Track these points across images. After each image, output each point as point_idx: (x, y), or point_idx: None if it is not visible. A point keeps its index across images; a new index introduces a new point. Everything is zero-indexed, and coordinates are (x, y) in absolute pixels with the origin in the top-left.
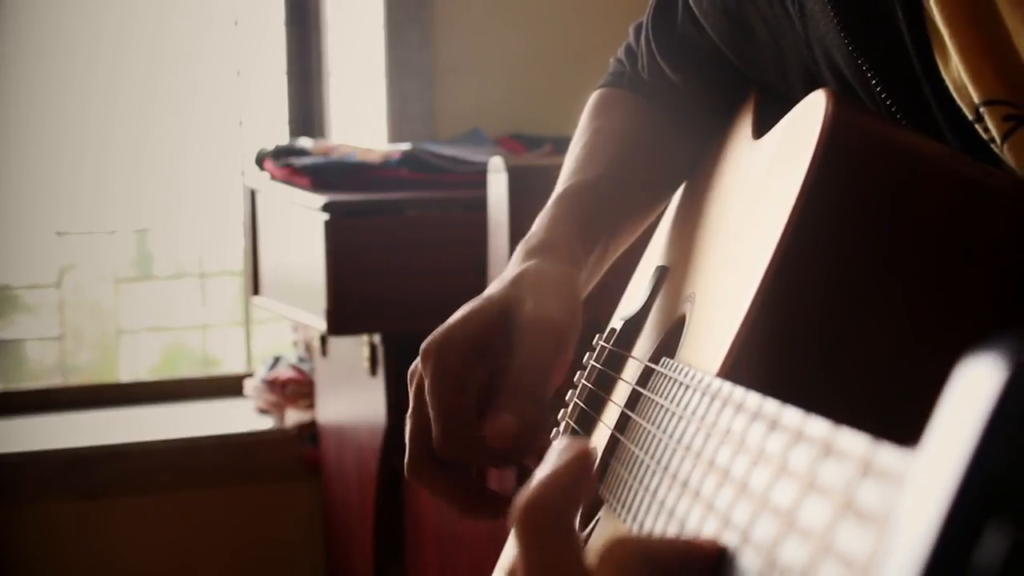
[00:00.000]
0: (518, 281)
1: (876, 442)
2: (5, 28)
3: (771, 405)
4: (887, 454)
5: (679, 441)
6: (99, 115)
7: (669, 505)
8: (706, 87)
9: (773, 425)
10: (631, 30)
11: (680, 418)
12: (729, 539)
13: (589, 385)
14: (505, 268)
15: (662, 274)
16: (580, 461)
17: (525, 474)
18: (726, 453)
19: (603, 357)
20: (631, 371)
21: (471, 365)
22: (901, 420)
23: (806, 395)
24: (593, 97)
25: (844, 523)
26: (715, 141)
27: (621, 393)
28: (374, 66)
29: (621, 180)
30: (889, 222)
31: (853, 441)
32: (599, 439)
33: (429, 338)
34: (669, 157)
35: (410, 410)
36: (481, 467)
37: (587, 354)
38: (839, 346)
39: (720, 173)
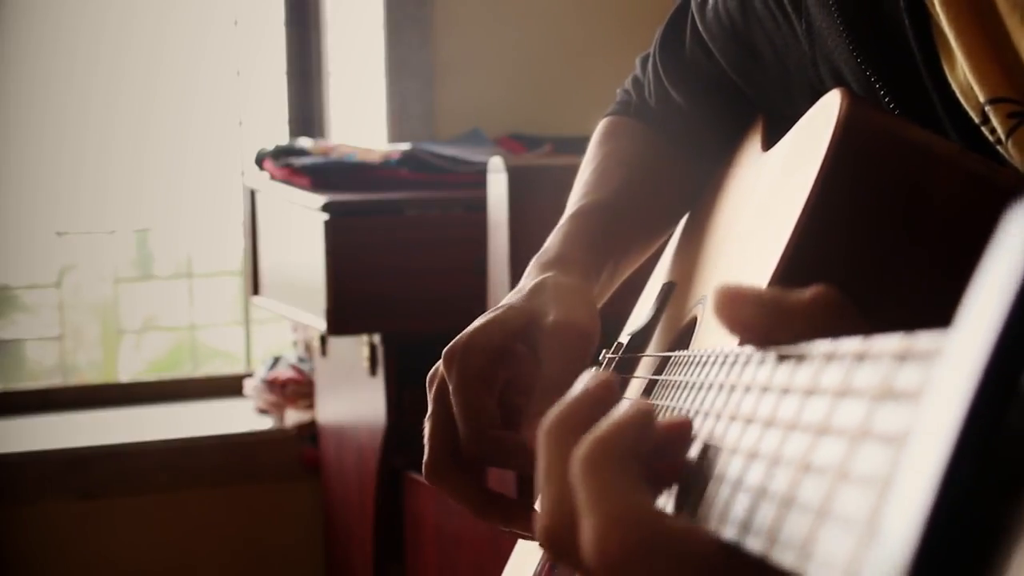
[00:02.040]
0: (538, 291)
1: (912, 334)
2: (5, 28)
3: (798, 348)
4: (924, 338)
5: (700, 405)
6: (99, 115)
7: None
8: (713, 112)
9: (800, 360)
10: (638, 62)
11: (699, 387)
12: (756, 469)
13: None
14: (507, 269)
15: (669, 289)
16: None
17: (525, 478)
18: (750, 399)
19: (611, 367)
20: (642, 371)
21: (494, 368)
22: None
23: None
24: (601, 125)
25: (881, 409)
26: (721, 167)
27: (633, 391)
28: (374, 66)
29: (631, 202)
30: (902, 217)
31: (887, 341)
32: None
33: (452, 343)
34: (676, 182)
35: (429, 412)
36: (504, 468)
37: (595, 367)
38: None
39: (727, 192)
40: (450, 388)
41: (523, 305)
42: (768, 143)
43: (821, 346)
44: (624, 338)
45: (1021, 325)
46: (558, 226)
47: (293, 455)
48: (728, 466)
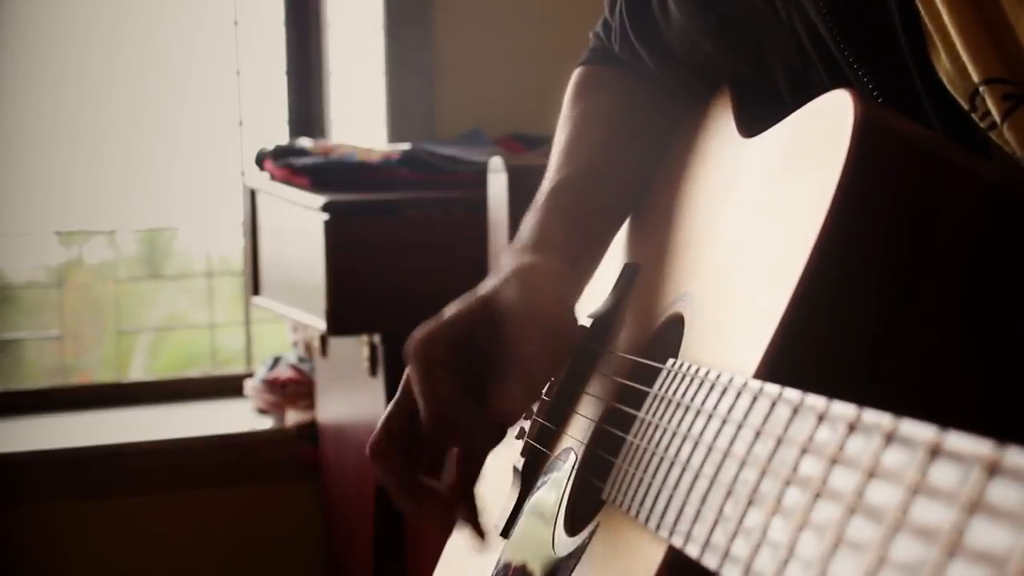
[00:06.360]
0: (506, 279)
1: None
2: (6, 29)
3: (842, 406)
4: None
5: (728, 447)
6: (99, 115)
7: (733, 516)
8: (677, 70)
9: (852, 427)
10: (606, 2)
11: (724, 421)
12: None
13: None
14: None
15: (633, 271)
16: None
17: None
18: (810, 463)
19: (578, 357)
20: (615, 366)
21: (456, 356)
22: (948, 416)
23: (849, 394)
24: (575, 76)
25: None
26: (683, 130)
27: (602, 388)
28: (374, 66)
29: (609, 166)
30: (923, 225)
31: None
32: (575, 432)
33: (415, 333)
34: (652, 135)
35: (395, 398)
36: (463, 446)
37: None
38: (882, 346)
39: (700, 170)
40: (412, 374)
41: (488, 293)
42: (746, 123)
43: (876, 417)
44: (583, 320)
45: None
46: (533, 206)
47: (293, 455)
48: (799, 542)
